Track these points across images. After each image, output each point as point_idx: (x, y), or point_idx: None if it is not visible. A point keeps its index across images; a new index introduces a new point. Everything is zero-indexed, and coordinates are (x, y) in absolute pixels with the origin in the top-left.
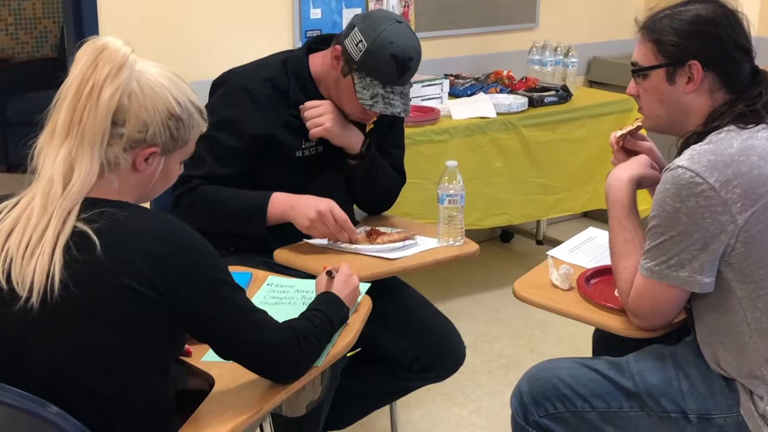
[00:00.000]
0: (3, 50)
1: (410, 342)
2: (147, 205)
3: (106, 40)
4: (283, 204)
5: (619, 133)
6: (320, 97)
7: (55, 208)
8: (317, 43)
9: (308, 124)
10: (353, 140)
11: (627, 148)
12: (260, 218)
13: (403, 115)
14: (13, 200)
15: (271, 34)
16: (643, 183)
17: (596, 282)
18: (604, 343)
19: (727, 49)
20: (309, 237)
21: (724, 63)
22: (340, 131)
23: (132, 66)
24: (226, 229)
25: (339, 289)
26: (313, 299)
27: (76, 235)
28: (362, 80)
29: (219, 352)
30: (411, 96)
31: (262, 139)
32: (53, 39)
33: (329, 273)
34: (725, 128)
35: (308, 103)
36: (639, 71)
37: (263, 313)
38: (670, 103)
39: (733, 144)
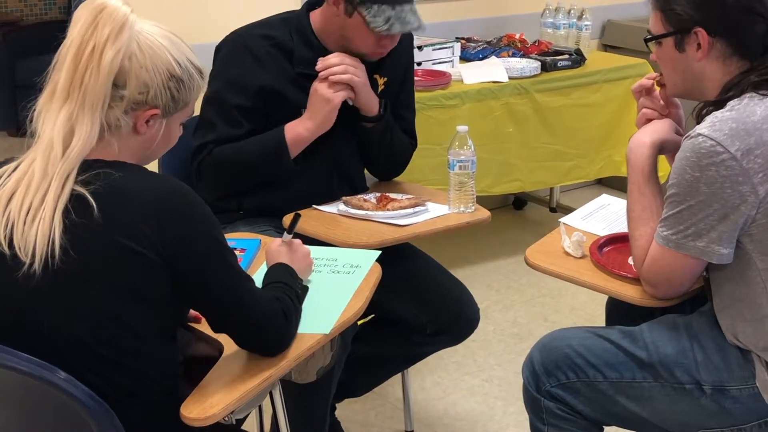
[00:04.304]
0: (12, 13)
1: (423, 305)
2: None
3: None
4: (295, 123)
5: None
6: (327, 52)
7: (55, 171)
8: (317, 2)
9: (339, 69)
10: (373, 101)
11: (649, 115)
12: (282, 147)
13: (421, 29)
14: (13, 164)
15: None
16: (666, 148)
17: (609, 250)
18: (618, 312)
19: (732, 15)
20: (318, 203)
21: (731, 29)
22: (366, 88)
23: (132, 26)
24: (254, 179)
25: (291, 259)
26: (318, 263)
27: (75, 199)
28: (370, 10)
29: (211, 316)
30: (420, 60)
31: (268, 93)
32: (62, 1)
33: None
34: (747, 95)
35: (336, 55)
36: (650, 40)
37: (253, 281)
38: (684, 70)
39: (756, 111)
